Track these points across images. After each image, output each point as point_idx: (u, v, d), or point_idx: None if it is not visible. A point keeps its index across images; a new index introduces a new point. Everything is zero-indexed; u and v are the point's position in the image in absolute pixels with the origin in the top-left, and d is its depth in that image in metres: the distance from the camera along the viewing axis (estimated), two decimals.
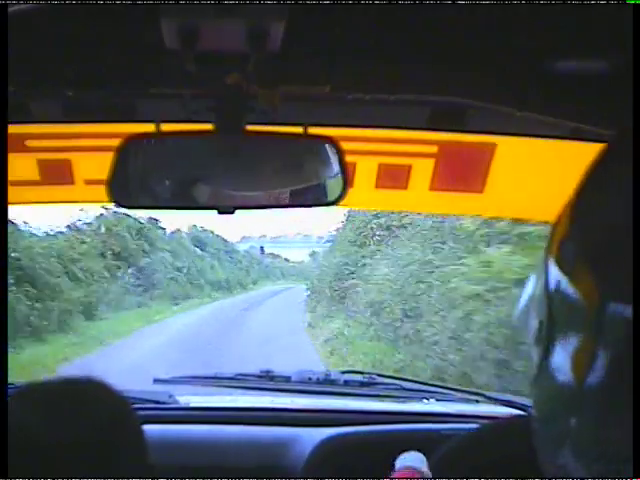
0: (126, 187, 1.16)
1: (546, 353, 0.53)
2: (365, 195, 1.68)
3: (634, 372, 0.45)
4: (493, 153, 1.56)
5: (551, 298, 0.52)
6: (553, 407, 0.55)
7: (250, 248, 30.89)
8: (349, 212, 12.71)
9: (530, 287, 0.57)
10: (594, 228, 0.49)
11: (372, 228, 11.99)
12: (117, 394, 0.80)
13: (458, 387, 2.17)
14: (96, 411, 0.76)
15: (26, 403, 0.76)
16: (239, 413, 1.86)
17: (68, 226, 14.72)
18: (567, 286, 0.50)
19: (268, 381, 1.95)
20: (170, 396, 1.86)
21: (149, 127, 1.12)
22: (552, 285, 0.52)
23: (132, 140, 1.14)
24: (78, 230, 14.78)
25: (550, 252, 0.53)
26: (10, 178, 1.32)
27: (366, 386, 1.95)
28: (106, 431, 0.75)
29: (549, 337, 0.52)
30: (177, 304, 16.19)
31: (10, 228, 10.59)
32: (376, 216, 11.58)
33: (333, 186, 1.19)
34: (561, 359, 0.52)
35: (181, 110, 1.09)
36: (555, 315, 0.52)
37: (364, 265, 12.05)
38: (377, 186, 1.66)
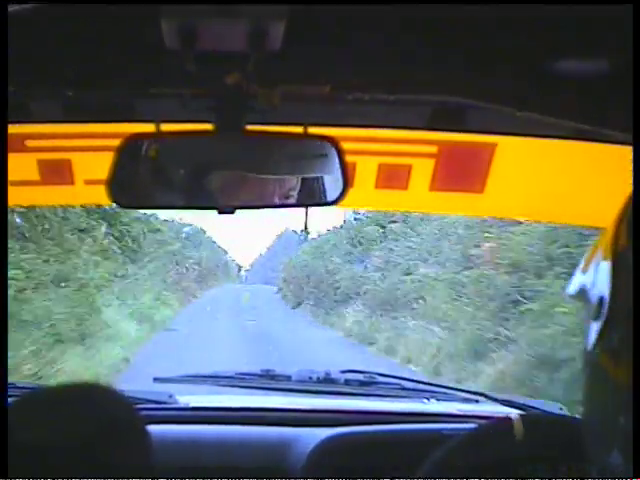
0: (126, 187, 1.15)
1: (602, 334, 0.53)
2: (365, 195, 1.68)
3: (634, 374, 0.45)
4: (493, 153, 1.56)
5: (612, 292, 0.53)
6: (602, 403, 0.54)
7: None
8: None
9: (590, 266, 0.58)
10: None
11: None
12: (121, 397, 0.80)
13: (458, 387, 2.17)
14: (100, 414, 0.76)
15: (31, 407, 0.76)
16: (239, 413, 1.86)
17: None
18: (627, 290, 0.51)
19: (268, 380, 1.95)
20: (170, 396, 1.86)
21: (149, 127, 1.12)
22: (611, 285, 0.53)
23: (132, 140, 1.14)
24: None
25: (608, 253, 0.55)
26: (10, 178, 1.32)
27: (366, 385, 1.95)
28: (110, 434, 0.75)
29: (609, 315, 0.53)
30: None
31: None
32: None
33: (333, 186, 1.19)
34: (613, 346, 0.52)
35: (181, 110, 1.09)
36: (615, 305, 0.53)
37: None
38: (377, 186, 1.66)
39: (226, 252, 34.94)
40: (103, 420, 0.76)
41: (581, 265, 0.59)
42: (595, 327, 0.54)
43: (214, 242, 32.53)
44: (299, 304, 20.81)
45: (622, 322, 0.51)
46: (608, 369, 0.52)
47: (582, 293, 0.57)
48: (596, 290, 0.55)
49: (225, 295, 23.20)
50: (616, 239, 0.54)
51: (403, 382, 2.00)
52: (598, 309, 0.54)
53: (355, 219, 19.24)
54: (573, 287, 0.60)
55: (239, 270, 38.89)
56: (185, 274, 21.39)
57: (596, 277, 0.56)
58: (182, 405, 1.87)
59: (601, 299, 0.54)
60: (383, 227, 16.49)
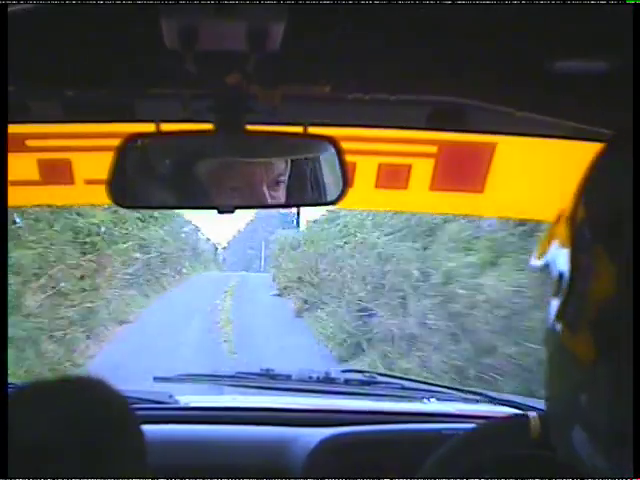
0: (126, 187, 1.15)
1: (561, 310, 0.54)
2: (365, 195, 1.69)
3: (634, 372, 0.45)
4: (493, 153, 1.56)
5: (571, 270, 0.54)
6: (563, 383, 0.55)
7: None
8: None
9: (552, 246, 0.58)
10: (605, 213, 0.51)
11: None
12: (116, 393, 0.80)
13: (458, 387, 2.18)
14: (95, 411, 0.76)
15: (26, 403, 0.76)
16: (239, 413, 1.86)
17: None
18: (586, 264, 0.52)
19: (269, 379, 1.95)
20: (170, 396, 1.86)
21: (149, 127, 1.12)
22: (570, 259, 0.54)
23: (132, 140, 1.14)
24: None
25: (566, 231, 0.55)
26: (10, 178, 1.32)
27: (366, 385, 1.95)
28: (105, 430, 0.75)
29: (568, 291, 0.53)
30: None
31: None
32: None
33: (333, 186, 1.19)
34: (573, 322, 0.53)
35: (181, 110, 1.09)
36: (574, 281, 0.53)
37: None
38: (377, 186, 1.66)
39: (198, 229, 24.63)
40: (96, 417, 0.76)
41: (542, 241, 0.60)
42: (555, 303, 0.55)
43: (181, 216, 20.12)
44: (356, 351, 8.40)
45: (581, 297, 0.52)
46: (568, 345, 0.53)
47: (544, 269, 0.58)
48: (556, 267, 0.56)
49: (190, 310, 11.43)
50: (574, 215, 0.54)
51: (403, 382, 2.00)
52: (558, 285, 0.55)
53: None
54: (536, 261, 0.60)
55: (216, 250, 31.38)
56: (105, 273, 10.10)
57: (556, 254, 0.56)
58: (182, 405, 1.87)
59: (560, 275, 0.55)
60: None
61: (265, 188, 1.22)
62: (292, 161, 1.23)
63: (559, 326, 0.54)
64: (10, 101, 0.97)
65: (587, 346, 0.50)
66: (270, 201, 1.25)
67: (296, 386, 1.95)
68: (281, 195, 1.23)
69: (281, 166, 1.23)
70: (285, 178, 1.22)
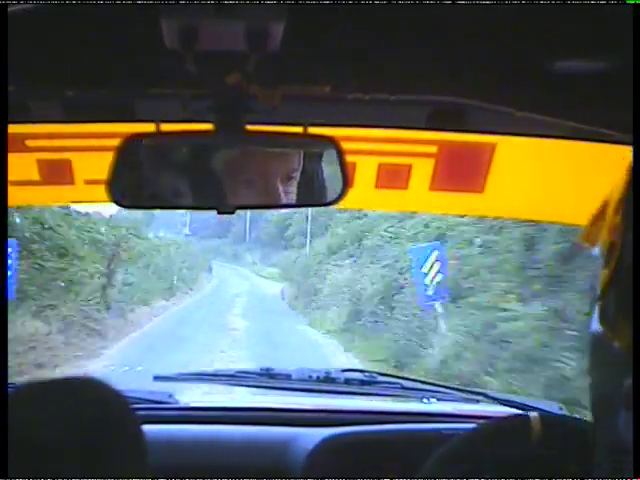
0: (126, 187, 1.15)
1: (602, 306, 0.56)
2: (365, 195, 1.69)
3: (634, 374, 0.46)
4: (493, 153, 1.56)
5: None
6: (607, 367, 0.57)
7: None
8: None
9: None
10: None
11: None
12: (116, 394, 0.80)
13: (459, 387, 2.18)
14: (95, 411, 0.76)
15: (26, 403, 0.76)
16: (239, 413, 1.86)
17: None
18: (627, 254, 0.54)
19: (268, 379, 1.95)
20: (170, 396, 1.86)
21: (149, 127, 1.12)
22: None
23: (132, 140, 1.14)
24: None
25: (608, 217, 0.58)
26: (10, 178, 1.32)
27: (366, 385, 1.95)
28: (104, 430, 0.75)
29: (609, 284, 0.56)
30: None
31: None
32: None
33: (333, 186, 1.19)
34: (615, 314, 0.55)
35: (181, 110, 1.09)
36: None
37: None
38: (377, 186, 1.66)
39: None
40: (96, 418, 0.76)
41: (588, 227, 0.62)
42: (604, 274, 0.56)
43: None
44: None
45: (621, 289, 0.54)
46: (609, 337, 0.56)
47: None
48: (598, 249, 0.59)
49: None
50: (619, 202, 0.57)
51: (403, 382, 2.00)
52: (605, 259, 0.57)
53: None
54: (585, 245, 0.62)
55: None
56: None
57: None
58: (182, 405, 1.87)
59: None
60: None
61: (279, 183, 1.21)
62: (292, 162, 1.23)
63: (600, 321, 0.56)
64: (10, 101, 0.97)
65: (623, 337, 0.53)
66: (270, 202, 1.25)
67: (296, 386, 1.95)
68: (285, 195, 1.23)
69: (295, 162, 1.22)
70: (297, 174, 1.22)
